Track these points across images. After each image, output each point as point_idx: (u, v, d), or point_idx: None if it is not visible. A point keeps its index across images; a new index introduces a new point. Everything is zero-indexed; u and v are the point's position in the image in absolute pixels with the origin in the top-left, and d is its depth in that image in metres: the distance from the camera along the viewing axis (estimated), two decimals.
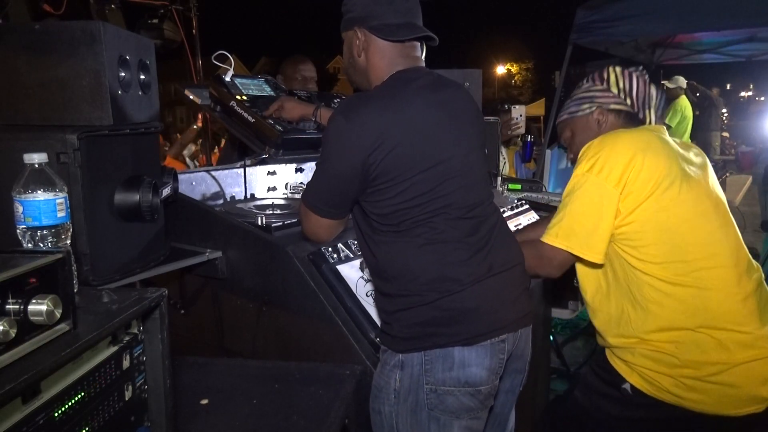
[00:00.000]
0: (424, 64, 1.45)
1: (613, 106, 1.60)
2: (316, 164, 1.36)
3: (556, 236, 1.48)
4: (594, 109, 1.62)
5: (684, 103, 6.71)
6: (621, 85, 1.59)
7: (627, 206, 1.42)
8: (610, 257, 1.50)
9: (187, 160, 5.93)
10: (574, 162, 1.62)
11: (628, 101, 1.59)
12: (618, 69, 1.61)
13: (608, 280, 1.54)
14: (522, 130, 3.62)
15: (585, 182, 1.45)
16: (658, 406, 1.44)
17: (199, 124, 4.80)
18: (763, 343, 1.39)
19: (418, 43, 1.43)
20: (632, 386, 1.47)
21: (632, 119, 1.60)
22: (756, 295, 1.44)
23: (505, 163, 3.86)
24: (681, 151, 1.53)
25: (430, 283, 1.28)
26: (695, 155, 1.58)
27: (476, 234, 1.33)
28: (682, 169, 1.46)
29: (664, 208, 1.41)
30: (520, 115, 3.54)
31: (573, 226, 1.46)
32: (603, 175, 1.43)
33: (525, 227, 2.12)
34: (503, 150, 3.84)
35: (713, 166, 1.63)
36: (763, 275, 1.51)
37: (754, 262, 1.51)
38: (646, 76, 1.61)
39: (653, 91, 1.61)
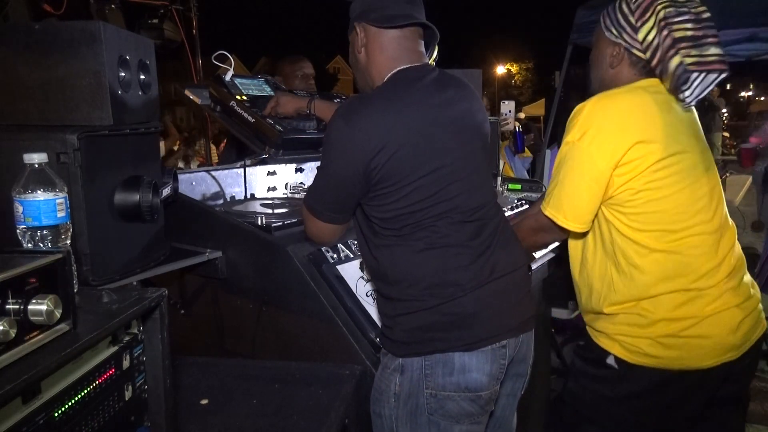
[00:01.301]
0: (427, 60, 1.42)
1: (635, 52, 1.49)
2: (318, 168, 1.35)
3: (547, 204, 1.50)
4: (618, 42, 1.51)
5: None
6: (650, 36, 1.43)
7: (622, 178, 1.42)
8: (598, 221, 1.51)
9: (180, 162, 5.95)
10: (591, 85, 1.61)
11: (647, 55, 1.46)
12: (662, 14, 1.40)
13: (595, 245, 1.55)
14: (510, 127, 3.66)
15: (576, 152, 1.44)
16: (644, 374, 1.47)
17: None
18: (728, 296, 1.44)
19: (421, 40, 1.40)
20: (616, 357, 1.49)
21: (645, 73, 1.51)
22: (726, 253, 1.49)
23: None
24: (676, 113, 1.48)
25: (431, 288, 1.27)
26: (689, 122, 1.54)
27: (479, 237, 1.32)
28: (675, 139, 1.44)
29: (657, 178, 1.41)
30: (509, 111, 3.56)
31: (561, 197, 1.47)
32: (594, 147, 1.41)
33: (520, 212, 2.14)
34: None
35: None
36: (735, 232, 1.56)
37: (730, 222, 1.55)
38: (691, 34, 1.38)
39: (673, 62, 1.39)
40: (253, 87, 2.06)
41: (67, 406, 0.79)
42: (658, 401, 1.51)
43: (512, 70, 42.48)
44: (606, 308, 1.51)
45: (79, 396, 0.82)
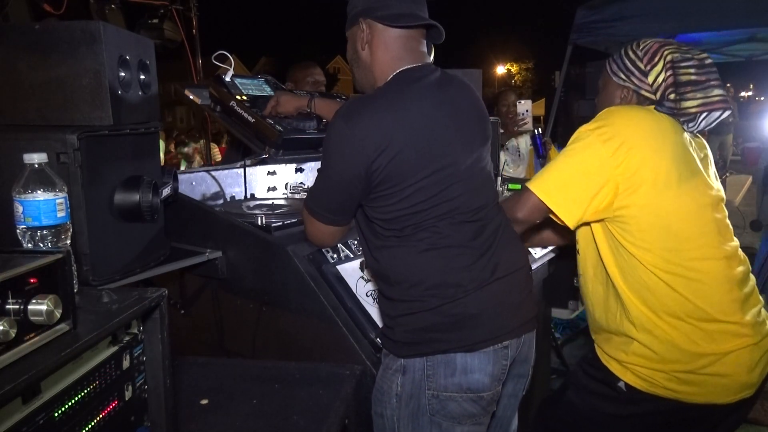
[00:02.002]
0: (429, 60, 1.42)
1: (643, 93, 1.55)
2: (318, 170, 1.34)
3: (536, 181, 1.48)
4: (627, 86, 1.57)
5: None
6: (659, 78, 1.51)
7: (627, 187, 1.40)
8: (606, 241, 1.49)
9: (183, 165, 5.93)
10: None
11: (658, 95, 1.53)
12: (670, 58, 1.50)
13: (604, 265, 1.52)
14: (529, 126, 3.47)
15: (586, 139, 1.44)
16: (653, 401, 1.45)
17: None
18: (747, 331, 1.42)
19: (424, 40, 1.40)
20: (627, 384, 1.47)
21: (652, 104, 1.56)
22: (741, 286, 1.46)
23: (520, 155, 3.69)
24: (687, 138, 1.52)
25: (432, 289, 1.27)
26: (699, 147, 1.57)
27: (480, 237, 1.31)
28: (685, 159, 1.46)
29: (663, 196, 1.41)
30: (526, 111, 3.40)
31: (556, 179, 1.46)
32: (603, 139, 1.41)
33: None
34: (517, 143, 3.69)
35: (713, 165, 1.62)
36: (749, 267, 1.53)
37: (741, 254, 1.53)
38: (696, 78, 1.48)
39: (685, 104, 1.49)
40: (253, 87, 2.06)
41: (67, 406, 0.79)
42: (663, 424, 1.50)
43: (512, 70, 42.49)
44: (619, 333, 1.48)
45: (79, 396, 0.82)
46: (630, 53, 1.57)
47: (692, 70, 1.49)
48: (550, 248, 2.13)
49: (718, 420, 1.50)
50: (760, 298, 1.52)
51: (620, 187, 1.41)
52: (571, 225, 1.46)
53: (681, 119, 1.50)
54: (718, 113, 1.49)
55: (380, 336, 1.41)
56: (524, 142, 3.73)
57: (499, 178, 2.79)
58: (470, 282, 1.27)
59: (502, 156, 3.43)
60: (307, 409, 1.28)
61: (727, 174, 5.56)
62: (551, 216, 1.48)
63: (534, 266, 1.98)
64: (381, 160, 1.22)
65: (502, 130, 3.50)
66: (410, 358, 1.28)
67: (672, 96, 1.49)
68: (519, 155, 3.76)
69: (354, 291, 1.54)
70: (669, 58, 1.50)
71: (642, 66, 1.54)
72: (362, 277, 1.58)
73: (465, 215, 1.30)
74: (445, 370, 1.26)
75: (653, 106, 1.54)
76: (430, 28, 1.40)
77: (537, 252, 2.07)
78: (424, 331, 1.27)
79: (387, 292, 1.33)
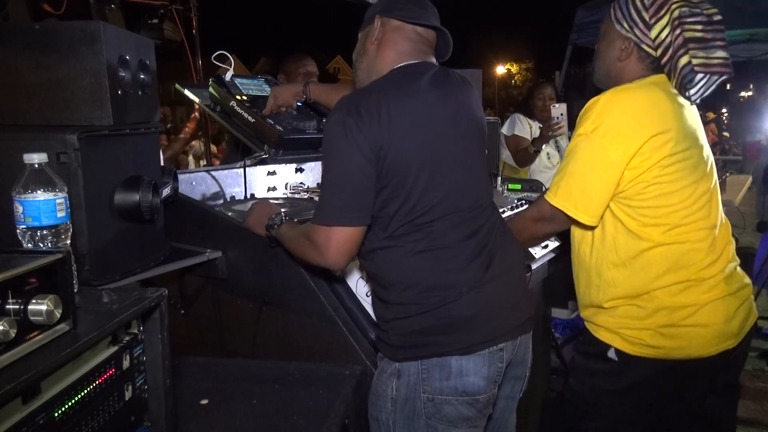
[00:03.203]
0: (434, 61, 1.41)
1: (644, 47, 1.50)
2: (323, 176, 1.27)
3: (554, 195, 1.49)
4: (629, 37, 1.51)
5: None
6: (663, 34, 1.45)
7: (633, 172, 1.42)
8: (603, 216, 1.51)
9: (190, 158, 5.91)
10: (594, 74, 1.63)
11: (658, 52, 1.47)
12: (677, 13, 1.42)
13: (596, 239, 1.54)
14: (565, 130, 3.14)
15: (587, 144, 1.44)
16: (645, 365, 1.48)
17: (187, 130, 4.68)
18: (723, 284, 1.47)
19: (432, 49, 1.40)
20: (616, 350, 1.50)
21: (653, 69, 1.52)
22: (720, 245, 1.51)
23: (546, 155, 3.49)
24: (685, 108, 1.51)
25: (427, 291, 1.26)
26: (695, 118, 1.56)
27: (475, 237, 1.31)
28: (685, 135, 1.46)
29: (668, 172, 1.42)
30: (561, 114, 3.12)
31: (571, 187, 1.47)
32: (607, 140, 1.41)
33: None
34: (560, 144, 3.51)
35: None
36: (729, 225, 1.59)
37: (724, 217, 1.58)
38: (701, 36, 1.41)
39: (681, 61, 1.43)
40: (253, 87, 2.06)
41: (67, 406, 0.79)
42: (659, 392, 1.52)
43: (512, 70, 42.51)
44: (606, 302, 1.52)
45: (79, 396, 0.82)
46: (637, 1, 1.49)
47: (699, 27, 1.42)
48: (551, 248, 2.13)
49: (712, 377, 1.53)
50: (737, 257, 1.57)
51: (626, 175, 1.43)
52: (595, 224, 1.49)
53: (679, 83, 1.45)
54: (716, 77, 1.44)
55: (375, 339, 1.40)
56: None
57: (499, 178, 2.79)
58: (465, 284, 1.26)
59: (545, 150, 3.33)
60: (307, 409, 1.28)
61: (727, 174, 5.55)
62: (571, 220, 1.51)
63: (534, 266, 1.98)
64: (384, 149, 1.21)
65: (540, 125, 3.38)
66: (405, 361, 1.27)
67: (679, 56, 1.42)
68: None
69: (354, 291, 1.54)
70: (676, 13, 1.42)
71: (647, 17, 1.47)
72: (362, 277, 1.58)
73: (459, 214, 1.29)
74: (440, 373, 1.25)
75: (652, 78, 1.51)
76: (440, 41, 1.41)
77: (537, 252, 2.07)
78: (419, 335, 1.26)
79: (381, 294, 1.32)
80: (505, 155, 3.51)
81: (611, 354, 1.51)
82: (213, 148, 5.54)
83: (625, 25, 1.51)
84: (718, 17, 1.44)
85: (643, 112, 1.42)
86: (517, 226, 1.55)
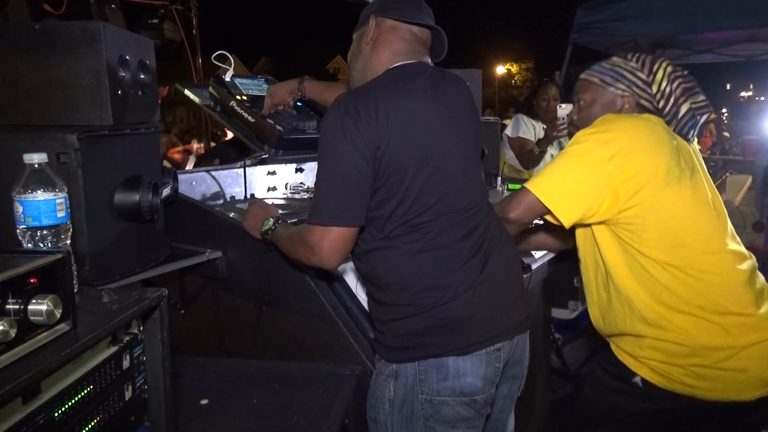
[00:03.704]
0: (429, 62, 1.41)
1: (643, 102, 1.59)
2: (319, 175, 1.25)
3: (533, 181, 1.48)
4: (627, 95, 1.60)
5: None
6: (663, 87, 1.57)
7: (629, 189, 1.41)
8: (613, 245, 1.48)
9: (190, 158, 5.91)
10: (573, 128, 1.67)
11: (660, 104, 1.57)
12: (669, 69, 1.58)
13: (607, 270, 1.51)
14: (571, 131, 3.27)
15: (585, 142, 1.45)
16: (671, 397, 1.44)
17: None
18: (764, 324, 1.40)
19: (428, 49, 1.39)
20: (643, 379, 1.46)
21: (652, 113, 1.60)
22: (752, 280, 1.47)
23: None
24: (679, 141, 1.55)
25: (423, 291, 1.25)
26: (693, 152, 1.59)
27: (471, 237, 1.30)
28: (683, 161, 1.48)
29: (664, 193, 1.42)
30: (567, 115, 3.20)
31: (554, 179, 1.46)
32: (602, 142, 1.43)
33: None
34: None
35: (713, 165, 1.64)
36: (755, 262, 1.53)
37: (745, 251, 1.53)
38: (690, 85, 1.58)
39: (683, 108, 1.56)
40: (253, 87, 2.06)
41: (67, 406, 0.79)
42: (679, 419, 1.49)
43: (512, 70, 42.50)
44: (635, 331, 1.46)
45: (79, 396, 0.82)
46: (625, 65, 1.62)
47: (685, 79, 1.58)
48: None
49: (738, 418, 1.48)
50: None
51: (620, 190, 1.41)
52: (567, 224, 1.46)
53: (679, 126, 1.57)
54: (705, 116, 1.58)
55: (372, 341, 1.40)
56: None
57: (499, 178, 2.79)
58: (461, 284, 1.26)
59: (549, 152, 3.28)
60: (307, 409, 1.28)
61: (727, 174, 5.55)
62: (547, 218, 1.48)
63: (534, 266, 1.98)
64: (381, 148, 1.20)
65: (543, 126, 3.37)
66: (402, 362, 1.27)
67: (680, 104, 1.56)
68: None
69: (354, 291, 1.54)
70: (669, 69, 1.58)
71: (643, 77, 1.59)
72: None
73: (455, 214, 1.29)
74: (438, 374, 1.25)
75: (646, 115, 1.57)
76: (435, 40, 1.40)
77: (537, 252, 2.07)
78: (416, 336, 1.26)
79: (377, 295, 1.32)
80: (510, 157, 3.50)
81: (636, 380, 1.47)
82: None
83: (621, 86, 1.61)
84: (686, 71, 1.62)
85: (639, 130, 1.48)
86: (497, 211, 1.51)
